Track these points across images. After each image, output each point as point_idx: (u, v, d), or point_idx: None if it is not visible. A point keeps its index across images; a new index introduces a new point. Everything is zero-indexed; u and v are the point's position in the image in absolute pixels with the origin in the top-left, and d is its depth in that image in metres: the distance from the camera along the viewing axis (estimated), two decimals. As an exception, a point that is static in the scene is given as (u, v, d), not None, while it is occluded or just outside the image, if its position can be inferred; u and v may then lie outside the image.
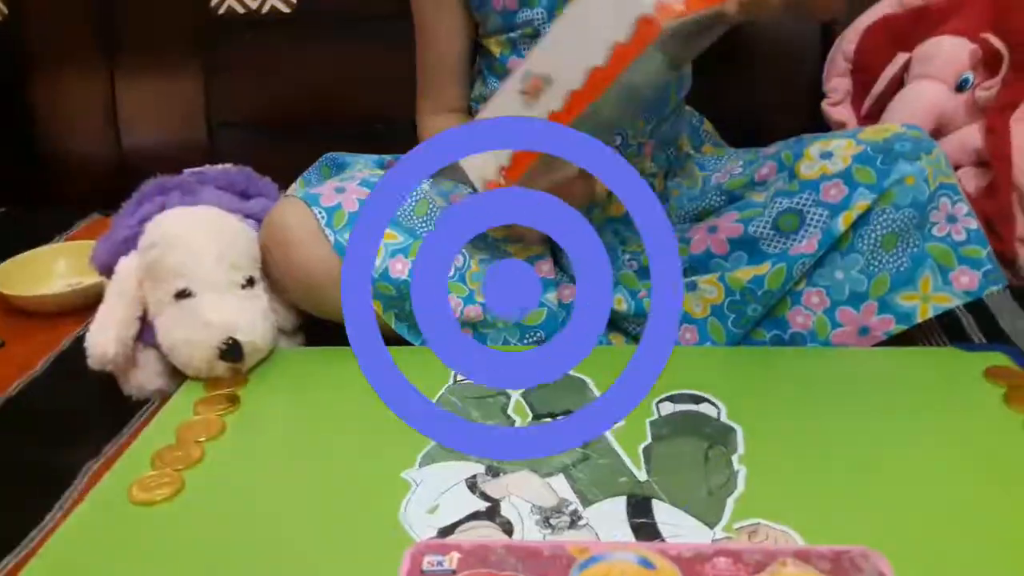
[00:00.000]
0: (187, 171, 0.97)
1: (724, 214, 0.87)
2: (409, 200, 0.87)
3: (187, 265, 0.78)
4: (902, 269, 0.79)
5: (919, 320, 0.79)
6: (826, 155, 0.81)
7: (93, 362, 0.78)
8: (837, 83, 1.19)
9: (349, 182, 0.86)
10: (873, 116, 1.14)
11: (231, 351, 0.77)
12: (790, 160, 0.84)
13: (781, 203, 0.82)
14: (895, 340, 0.81)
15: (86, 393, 0.84)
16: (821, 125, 1.19)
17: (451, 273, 0.84)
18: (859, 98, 1.17)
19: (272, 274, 0.84)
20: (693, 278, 0.86)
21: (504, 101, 0.74)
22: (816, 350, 0.81)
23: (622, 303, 0.87)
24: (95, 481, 0.68)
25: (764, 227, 0.82)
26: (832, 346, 0.81)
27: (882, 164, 0.78)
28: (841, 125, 1.17)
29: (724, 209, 0.88)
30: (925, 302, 0.79)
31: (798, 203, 0.81)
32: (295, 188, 1.01)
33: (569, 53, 0.68)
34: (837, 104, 1.18)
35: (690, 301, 0.85)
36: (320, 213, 0.81)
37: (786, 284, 0.80)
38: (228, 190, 0.94)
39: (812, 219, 0.80)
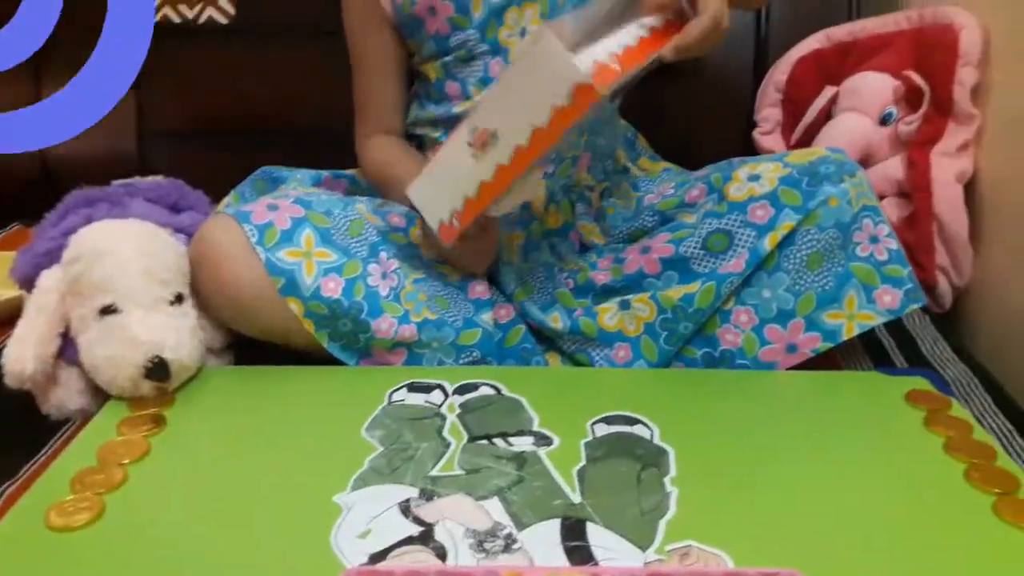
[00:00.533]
0: (115, 183, 0.95)
1: (656, 235, 0.89)
2: (343, 219, 0.86)
3: (113, 280, 0.75)
4: (827, 288, 0.81)
5: (845, 338, 0.82)
6: (754, 178, 0.83)
7: (10, 379, 0.75)
8: (768, 113, 1.23)
9: (283, 199, 0.85)
10: (802, 146, 1.18)
11: (157, 369, 0.74)
12: (719, 183, 0.86)
13: (711, 224, 0.84)
14: (820, 359, 0.83)
15: (3, 412, 0.80)
16: (752, 153, 1.23)
17: (386, 293, 0.84)
18: (789, 128, 1.21)
19: (201, 292, 0.82)
20: (627, 297, 0.87)
21: (452, 152, 0.75)
22: (747, 373, 0.83)
23: (558, 321, 0.88)
24: (10, 505, 0.65)
25: (694, 247, 0.84)
26: (761, 363, 0.83)
27: (807, 186, 0.80)
28: (771, 154, 1.20)
29: (657, 230, 0.90)
30: (850, 320, 0.82)
31: (726, 224, 0.83)
32: (227, 203, 0.99)
33: (514, 109, 0.70)
34: (768, 133, 1.22)
35: (624, 320, 0.86)
36: (251, 230, 0.80)
37: (715, 302, 0.82)
38: (158, 203, 0.92)
39: (740, 239, 0.82)
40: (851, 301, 0.82)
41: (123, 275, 0.76)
